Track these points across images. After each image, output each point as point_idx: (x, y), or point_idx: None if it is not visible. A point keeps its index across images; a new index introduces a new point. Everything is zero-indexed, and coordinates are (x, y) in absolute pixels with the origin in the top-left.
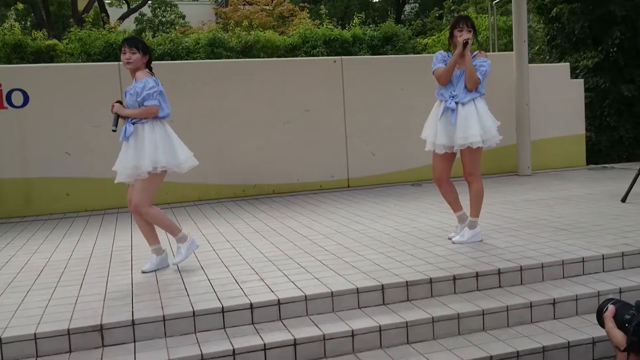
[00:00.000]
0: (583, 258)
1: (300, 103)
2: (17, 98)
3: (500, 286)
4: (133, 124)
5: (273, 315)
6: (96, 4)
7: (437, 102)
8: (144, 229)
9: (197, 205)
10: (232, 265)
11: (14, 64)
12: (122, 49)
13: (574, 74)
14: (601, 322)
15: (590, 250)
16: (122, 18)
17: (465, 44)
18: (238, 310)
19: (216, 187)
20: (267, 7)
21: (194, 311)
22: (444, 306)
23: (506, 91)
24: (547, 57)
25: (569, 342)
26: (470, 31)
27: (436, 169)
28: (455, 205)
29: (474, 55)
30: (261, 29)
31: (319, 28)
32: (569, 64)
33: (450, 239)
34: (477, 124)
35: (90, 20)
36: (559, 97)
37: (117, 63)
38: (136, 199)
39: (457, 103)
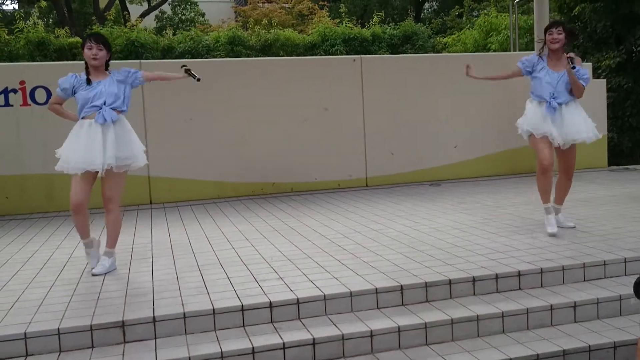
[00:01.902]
0: (604, 261)
1: (319, 102)
2: (40, 95)
3: (520, 288)
4: (114, 110)
5: (292, 314)
6: (117, 1)
7: (534, 102)
8: (78, 220)
9: (216, 203)
10: (251, 263)
11: (37, 61)
12: (88, 43)
13: (595, 74)
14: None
15: (611, 253)
16: (143, 16)
17: (570, 60)
18: (257, 308)
19: (235, 185)
20: (287, 6)
21: (214, 309)
22: (463, 308)
23: (528, 91)
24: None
25: (589, 346)
26: (560, 34)
27: (548, 156)
28: (548, 196)
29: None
30: (280, 28)
31: (338, 26)
32: (591, 63)
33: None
34: (586, 121)
35: (112, 18)
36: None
37: (138, 61)
38: (117, 192)
39: (559, 104)
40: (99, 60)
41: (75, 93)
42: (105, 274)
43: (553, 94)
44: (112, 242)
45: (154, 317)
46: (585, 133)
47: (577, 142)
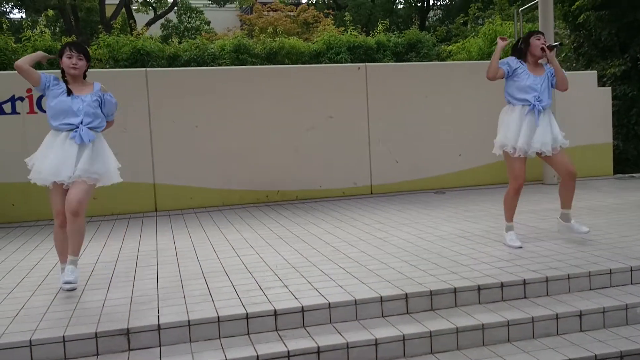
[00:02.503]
0: (610, 270)
1: (324, 109)
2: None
3: (525, 297)
4: (91, 129)
5: (297, 322)
6: (124, 10)
7: (512, 107)
8: (63, 238)
9: (221, 210)
10: (256, 271)
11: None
12: (68, 52)
13: (600, 82)
14: None
15: (618, 262)
16: (149, 24)
17: (553, 47)
18: (262, 316)
19: (240, 192)
20: (292, 14)
21: (218, 317)
22: (468, 316)
23: None
24: (574, 65)
25: (596, 355)
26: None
27: (522, 173)
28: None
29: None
30: (286, 36)
31: (343, 35)
32: (595, 71)
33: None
34: (557, 127)
35: (118, 26)
36: (585, 105)
37: (144, 69)
38: (82, 199)
39: (543, 108)
40: (78, 70)
41: (47, 93)
42: (73, 285)
43: (538, 97)
44: (77, 247)
45: (158, 324)
46: (561, 137)
47: (557, 148)
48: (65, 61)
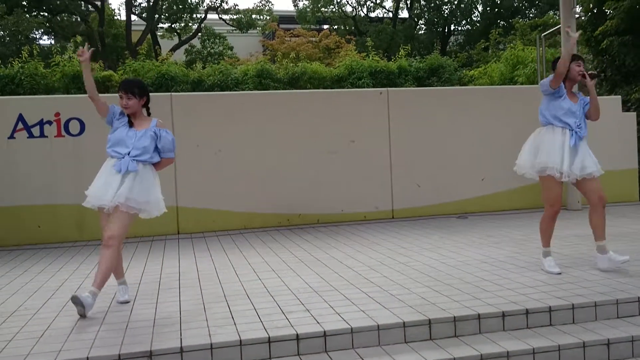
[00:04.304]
0: (639, 297)
1: (346, 134)
2: (74, 127)
3: (551, 324)
4: (136, 160)
5: (319, 347)
6: (149, 36)
7: (552, 128)
8: (113, 262)
9: (243, 233)
10: (278, 295)
11: (72, 94)
12: (119, 93)
13: (625, 107)
14: None
15: None
16: (173, 49)
17: (595, 75)
18: (284, 340)
19: (262, 215)
20: (314, 39)
21: (240, 340)
22: (493, 343)
23: None
24: (598, 90)
25: None
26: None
27: (559, 198)
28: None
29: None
30: (308, 61)
31: (364, 60)
32: (620, 96)
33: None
34: (593, 158)
35: (144, 52)
36: (610, 130)
37: (169, 94)
38: (120, 230)
39: (581, 137)
40: (130, 109)
41: (112, 122)
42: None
43: (578, 124)
44: (104, 277)
45: (181, 347)
46: (597, 165)
47: (592, 174)
48: (120, 102)
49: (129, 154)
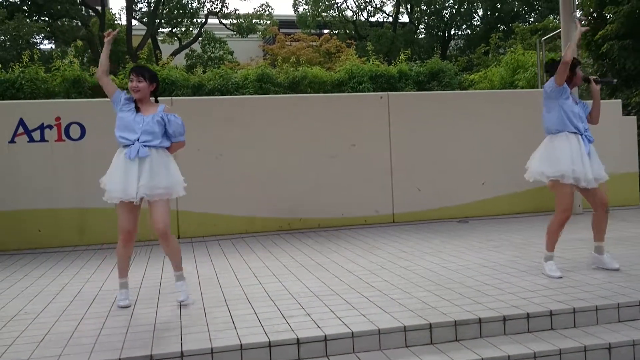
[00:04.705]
0: None
1: (346, 138)
2: (74, 131)
3: (552, 328)
4: (147, 146)
5: (319, 351)
6: (150, 40)
7: (567, 135)
8: (124, 255)
9: (243, 237)
10: (279, 299)
11: (73, 98)
12: (130, 76)
13: (625, 111)
14: None
15: None
16: (174, 54)
17: (602, 81)
18: (285, 345)
19: (262, 219)
20: (314, 44)
21: (241, 344)
22: (494, 347)
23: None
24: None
25: None
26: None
27: (572, 205)
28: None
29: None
30: (308, 65)
31: (365, 64)
32: (620, 100)
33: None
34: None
35: (144, 56)
36: (610, 134)
37: (169, 98)
38: (166, 221)
39: (590, 140)
40: (140, 93)
41: (117, 108)
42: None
43: (586, 128)
44: (176, 264)
45: (181, 351)
46: (604, 172)
47: (602, 180)
48: (129, 84)
49: (138, 140)
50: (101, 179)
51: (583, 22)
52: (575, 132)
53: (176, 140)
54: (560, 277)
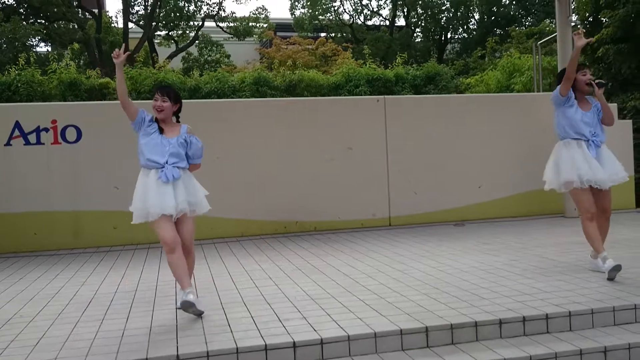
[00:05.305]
0: (635, 305)
1: (343, 141)
2: (71, 134)
3: (548, 332)
4: (176, 167)
5: (316, 354)
6: (146, 43)
7: (569, 142)
8: (184, 268)
9: (240, 241)
10: (275, 302)
11: (69, 101)
12: (155, 95)
13: (621, 115)
14: None
15: None
16: (171, 57)
17: (603, 84)
18: (281, 348)
19: (258, 223)
20: (310, 47)
21: (237, 348)
22: (490, 351)
23: (552, 131)
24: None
25: None
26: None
27: (592, 205)
28: (601, 243)
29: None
30: (305, 68)
31: (362, 67)
32: (616, 104)
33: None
34: (617, 162)
35: (141, 59)
36: (606, 137)
37: None
38: (192, 237)
39: (601, 142)
40: (163, 113)
41: (140, 129)
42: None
43: (593, 132)
44: (188, 278)
45: (177, 355)
46: (622, 172)
47: (617, 182)
48: (153, 103)
49: (167, 162)
50: (130, 207)
51: (582, 31)
52: (578, 139)
53: (193, 162)
54: (613, 266)
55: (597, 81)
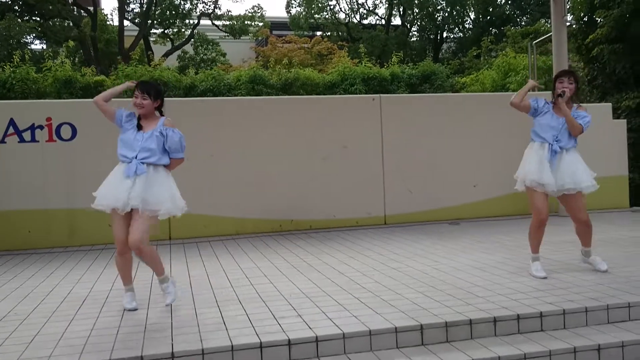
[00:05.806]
0: (629, 303)
1: (338, 139)
2: (65, 131)
3: (542, 330)
4: (144, 163)
5: (311, 352)
6: (142, 41)
7: (536, 143)
8: (123, 264)
9: (235, 239)
10: (270, 300)
11: (64, 98)
12: (135, 92)
13: (615, 114)
14: None
15: (636, 295)
16: (166, 55)
17: (559, 95)
18: (276, 346)
19: (254, 221)
20: (306, 46)
21: (232, 345)
22: (485, 349)
23: None
24: (588, 97)
25: None
26: (571, 83)
27: (543, 208)
28: (538, 247)
29: (575, 109)
30: (301, 67)
31: (357, 66)
32: (610, 104)
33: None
34: (586, 171)
35: (137, 57)
36: (601, 137)
37: None
38: (142, 238)
39: (560, 148)
40: (144, 109)
41: (122, 124)
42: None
43: (556, 137)
44: (157, 271)
45: (172, 352)
46: (585, 183)
47: (573, 192)
48: (133, 100)
49: (136, 157)
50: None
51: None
52: (542, 142)
53: (173, 157)
54: (545, 278)
55: (558, 93)
